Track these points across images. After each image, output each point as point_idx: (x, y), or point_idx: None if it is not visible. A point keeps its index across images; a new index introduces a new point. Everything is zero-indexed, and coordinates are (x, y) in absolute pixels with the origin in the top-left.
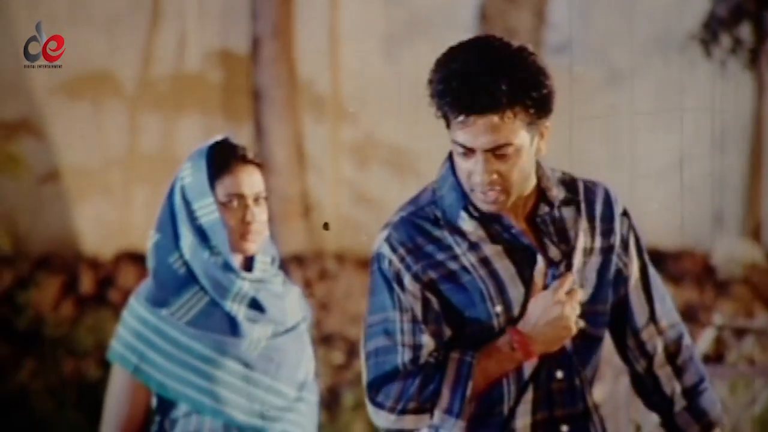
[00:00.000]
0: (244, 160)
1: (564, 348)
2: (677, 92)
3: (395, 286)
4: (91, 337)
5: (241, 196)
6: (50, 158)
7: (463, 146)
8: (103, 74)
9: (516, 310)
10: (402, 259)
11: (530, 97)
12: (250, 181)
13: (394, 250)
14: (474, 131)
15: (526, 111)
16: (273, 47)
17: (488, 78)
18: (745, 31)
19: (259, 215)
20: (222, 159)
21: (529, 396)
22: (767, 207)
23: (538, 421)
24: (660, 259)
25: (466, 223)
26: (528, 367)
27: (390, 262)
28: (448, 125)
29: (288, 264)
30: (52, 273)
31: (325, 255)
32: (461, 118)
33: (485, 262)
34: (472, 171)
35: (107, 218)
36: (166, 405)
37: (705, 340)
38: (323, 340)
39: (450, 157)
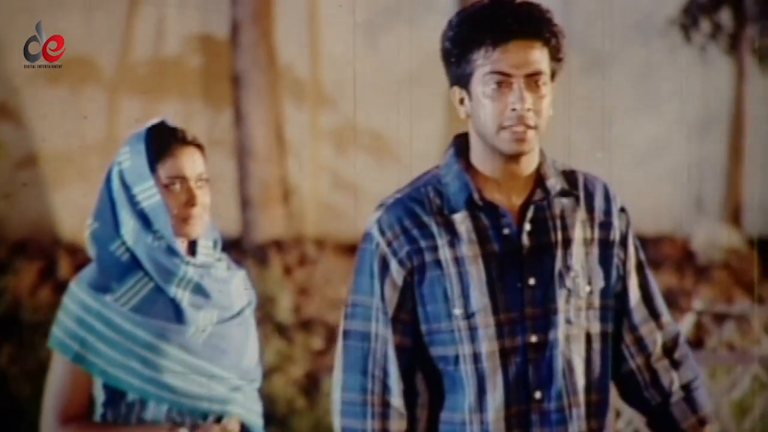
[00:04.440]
0: (185, 141)
1: (548, 368)
2: (657, 77)
3: (378, 273)
4: None
5: (183, 179)
6: (28, 143)
7: (502, 73)
8: (81, 59)
9: (478, 319)
10: (389, 244)
11: (558, 38)
12: (192, 163)
13: (382, 233)
14: (514, 56)
15: (550, 51)
16: (253, 32)
17: (527, 7)
18: (725, 16)
19: (202, 198)
20: (161, 141)
21: (501, 413)
22: (747, 192)
23: None
24: (640, 244)
25: (462, 215)
26: (496, 387)
27: (377, 245)
28: (469, 71)
29: (267, 249)
30: (30, 258)
31: (305, 240)
32: (501, 45)
33: (458, 261)
34: (508, 103)
35: (85, 203)
36: (112, 392)
37: (685, 326)
38: (303, 325)
39: (453, 144)
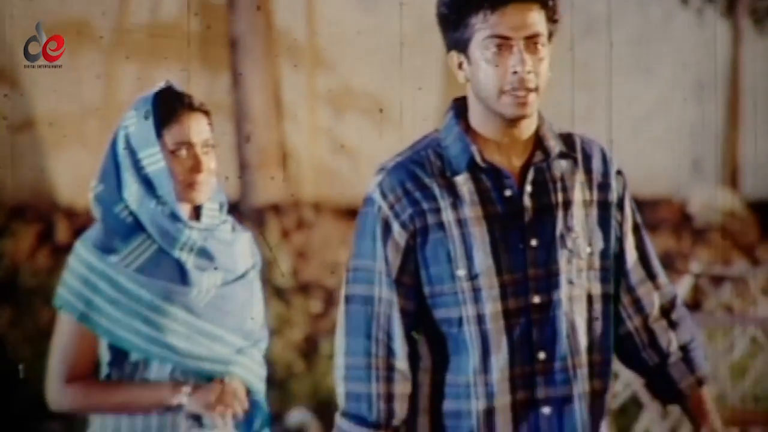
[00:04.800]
0: (191, 107)
1: (552, 328)
2: (654, 41)
3: (381, 235)
4: None
5: (189, 145)
6: (25, 108)
7: (502, 36)
8: (78, 23)
9: (482, 280)
10: (391, 207)
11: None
12: (198, 128)
13: (384, 196)
14: (513, 19)
15: (547, 13)
16: None
17: None
18: None
19: (208, 163)
20: (168, 107)
21: (506, 374)
22: (744, 154)
23: (519, 400)
24: (637, 207)
25: (464, 177)
26: (500, 348)
27: (380, 208)
28: (468, 36)
29: (265, 213)
30: (28, 222)
31: (302, 204)
32: (499, 8)
33: (461, 223)
34: (509, 66)
35: (83, 168)
36: (117, 352)
37: (682, 288)
38: (301, 288)
39: (453, 107)
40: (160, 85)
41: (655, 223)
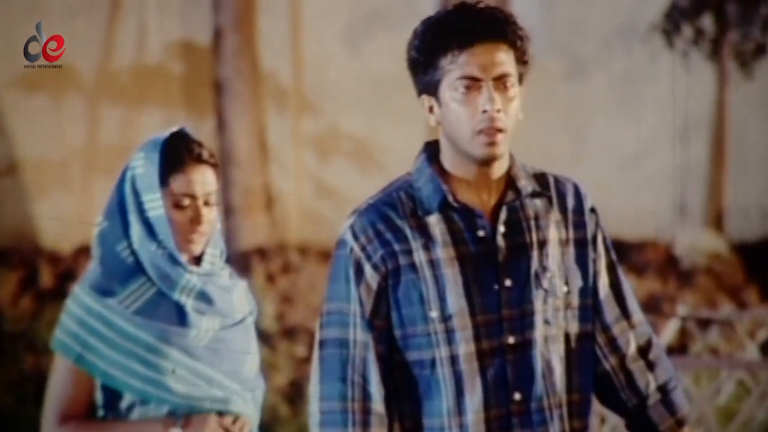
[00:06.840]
0: (199, 159)
1: (527, 369)
2: (640, 83)
3: (354, 277)
4: (50, 332)
5: (192, 197)
6: (8, 152)
7: (470, 77)
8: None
9: (455, 321)
10: (363, 248)
11: (523, 41)
12: (203, 181)
13: (356, 238)
14: (481, 59)
15: (516, 53)
16: (235, 39)
17: (490, 11)
18: (707, 21)
19: (208, 216)
20: (176, 155)
21: (481, 416)
22: (730, 197)
23: None
24: (623, 249)
25: (436, 217)
26: (475, 390)
27: (351, 249)
28: (437, 78)
29: (251, 257)
30: (11, 267)
31: (288, 248)
32: (467, 49)
33: (433, 264)
34: (478, 106)
35: (66, 212)
36: (111, 396)
37: (669, 331)
38: (286, 332)
39: (425, 149)
40: (173, 129)
41: (641, 265)
